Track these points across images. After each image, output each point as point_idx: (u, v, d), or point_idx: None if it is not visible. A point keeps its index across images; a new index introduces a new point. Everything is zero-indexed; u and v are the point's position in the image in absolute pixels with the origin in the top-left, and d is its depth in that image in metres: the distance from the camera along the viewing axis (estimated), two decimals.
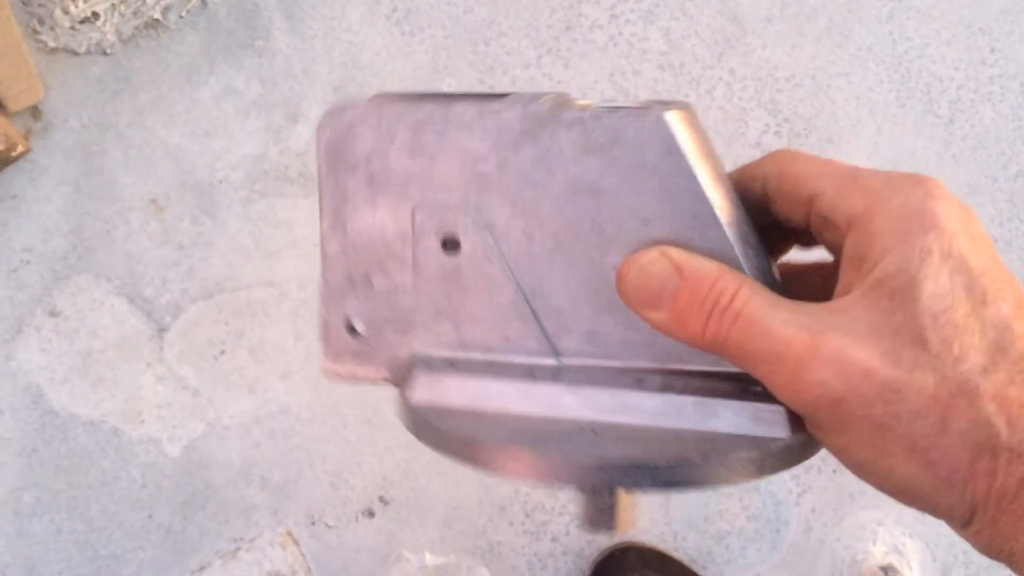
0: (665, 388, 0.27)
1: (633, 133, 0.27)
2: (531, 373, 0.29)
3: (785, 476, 0.93)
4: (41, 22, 0.88)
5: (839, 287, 0.26)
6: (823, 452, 0.27)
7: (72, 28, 0.88)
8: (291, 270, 0.90)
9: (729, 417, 0.26)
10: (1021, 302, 0.23)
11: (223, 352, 0.90)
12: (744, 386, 0.27)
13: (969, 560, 0.93)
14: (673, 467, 0.24)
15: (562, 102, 0.28)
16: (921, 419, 0.22)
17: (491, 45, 0.94)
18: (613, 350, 0.28)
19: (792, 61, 0.95)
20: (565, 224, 0.28)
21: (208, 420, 0.90)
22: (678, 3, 0.95)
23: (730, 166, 0.29)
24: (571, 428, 0.27)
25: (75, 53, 0.90)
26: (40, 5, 0.88)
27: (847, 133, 0.95)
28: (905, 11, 0.96)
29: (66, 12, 0.88)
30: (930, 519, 0.24)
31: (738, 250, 0.27)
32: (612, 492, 0.27)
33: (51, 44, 0.89)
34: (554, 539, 0.90)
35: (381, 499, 0.90)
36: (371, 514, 0.90)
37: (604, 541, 0.89)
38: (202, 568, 0.89)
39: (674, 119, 0.26)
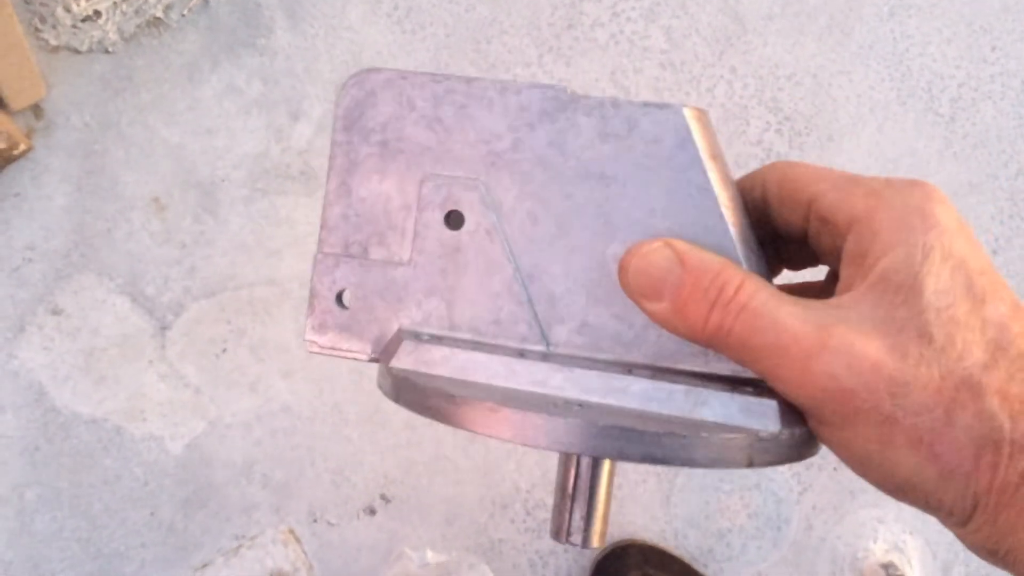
0: (655, 378, 0.27)
1: (650, 124, 0.27)
2: (520, 353, 0.28)
3: (786, 474, 0.93)
4: (43, 20, 0.89)
5: (840, 284, 0.26)
6: (824, 451, 0.27)
7: (74, 26, 0.88)
8: (293, 268, 0.90)
9: (718, 407, 0.26)
10: (1016, 303, 0.24)
11: (225, 350, 0.90)
12: (734, 387, 0.27)
13: (969, 558, 0.93)
14: (660, 435, 0.24)
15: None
16: (927, 412, 0.22)
17: (492, 43, 0.94)
18: (604, 343, 0.28)
19: (793, 59, 0.95)
20: (571, 209, 0.28)
21: (210, 418, 0.90)
22: (679, 1, 0.95)
23: (731, 164, 0.29)
24: (557, 401, 0.26)
25: (77, 51, 0.90)
26: (42, 3, 0.88)
27: (848, 131, 0.95)
28: (906, 9, 0.96)
29: (68, 10, 0.88)
30: (931, 517, 0.24)
31: (740, 251, 0.27)
32: (596, 465, 0.27)
33: (53, 42, 0.89)
34: None
35: (383, 497, 0.90)
36: (372, 512, 0.90)
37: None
38: (204, 565, 0.89)
39: (691, 115, 0.27)
